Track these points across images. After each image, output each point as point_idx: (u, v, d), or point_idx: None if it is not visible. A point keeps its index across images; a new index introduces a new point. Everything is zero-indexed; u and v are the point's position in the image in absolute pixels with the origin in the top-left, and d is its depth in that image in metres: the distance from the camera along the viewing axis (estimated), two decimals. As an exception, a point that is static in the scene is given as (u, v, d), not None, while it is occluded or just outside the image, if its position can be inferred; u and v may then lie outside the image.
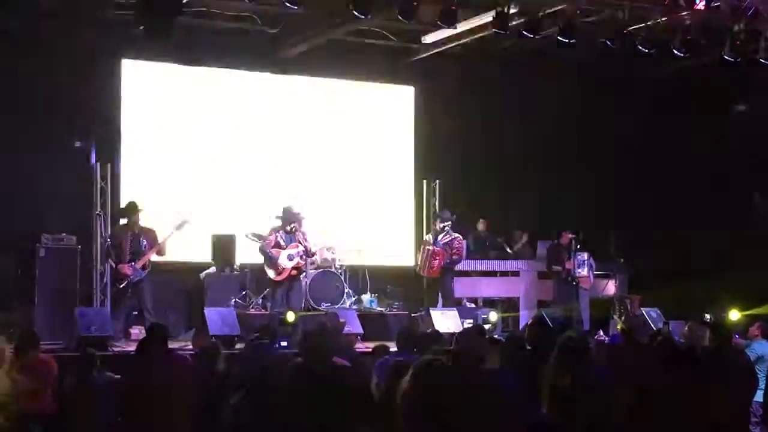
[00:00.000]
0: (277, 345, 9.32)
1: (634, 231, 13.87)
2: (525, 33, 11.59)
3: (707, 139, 14.24)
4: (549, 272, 13.18)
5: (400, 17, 11.17)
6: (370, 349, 8.36)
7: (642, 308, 12.68)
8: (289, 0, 10.70)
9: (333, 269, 12.87)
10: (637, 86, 14.52)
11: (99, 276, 12.13)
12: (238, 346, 10.54)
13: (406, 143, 15.01)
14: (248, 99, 14.03)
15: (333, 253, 13.00)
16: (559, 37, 11.73)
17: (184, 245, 12.18)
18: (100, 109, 12.95)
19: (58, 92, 12.19)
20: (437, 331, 10.05)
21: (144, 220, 11.57)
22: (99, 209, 12.25)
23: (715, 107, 14.34)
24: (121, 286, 11.16)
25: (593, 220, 13.57)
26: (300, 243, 11.61)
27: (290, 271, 11.54)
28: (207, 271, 12.73)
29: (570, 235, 13.09)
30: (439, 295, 12.48)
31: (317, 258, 12.63)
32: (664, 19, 11.96)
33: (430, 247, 12.40)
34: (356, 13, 10.92)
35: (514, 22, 11.57)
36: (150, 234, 11.46)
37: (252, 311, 12.29)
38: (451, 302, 12.47)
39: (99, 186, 12.31)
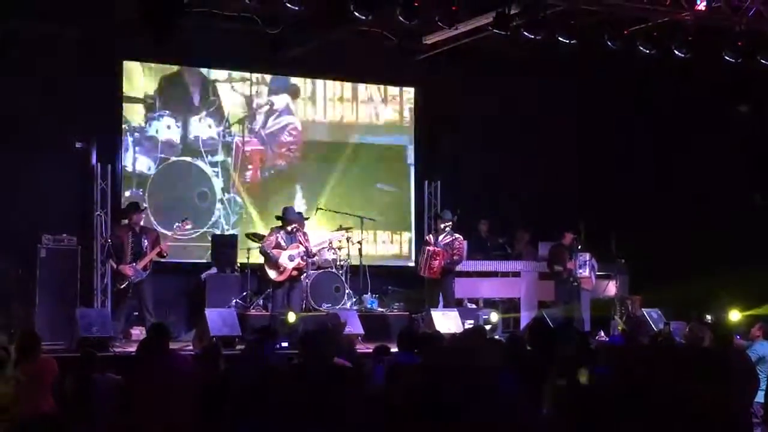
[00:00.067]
0: (278, 345, 9.31)
1: (634, 231, 13.85)
2: (526, 33, 11.59)
3: (708, 139, 14.22)
4: (550, 272, 13.17)
5: (401, 18, 11.17)
6: (371, 350, 8.36)
7: (643, 309, 12.68)
8: (289, 0, 10.70)
9: (333, 270, 12.87)
10: (638, 87, 14.50)
11: (100, 276, 12.15)
12: (239, 346, 10.54)
13: (407, 143, 15.01)
14: (249, 99, 14.04)
15: (335, 253, 13.01)
16: (559, 38, 11.73)
17: (185, 246, 12.19)
18: (101, 109, 12.95)
19: (59, 93, 12.20)
20: (438, 331, 10.06)
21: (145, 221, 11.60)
22: (99, 210, 12.26)
23: (715, 107, 14.33)
24: (122, 286, 11.16)
25: (594, 221, 13.55)
26: (301, 243, 11.61)
27: (291, 271, 11.53)
28: (208, 271, 12.73)
29: (572, 235, 13.09)
30: (440, 295, 12.47)
31: (318, 258, 12.63)
32: (665, 19, 11.95)
33: (431, 248, 12.39)
34: (357, 14, 10.92)
35: (514, 23, 11.56)
36: (151, 234, 11.46)
37: (253, 312, 12.29)
38: (452, 303, 12.46)
39: (99, 186, 12.32)
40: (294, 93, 14.36)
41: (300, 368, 5.95)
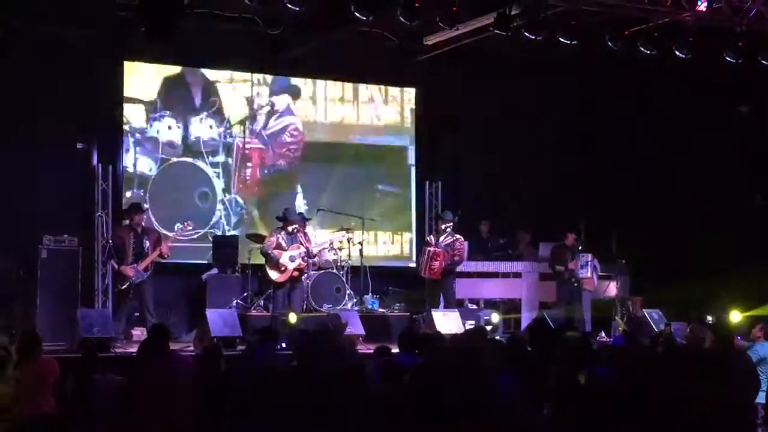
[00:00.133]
0: (279, 346, 9.32)
1: (635, 232, 13.85)
2: (526, 34, 11.59)
3: (709, 139, 14.22)
4: (552, 272, 13.16)
5: (401, 18, 11.17)
6: (372, 351, 8.35)
7: (644, 310, 12.68)
8: (290, 1, 10.70)
9: (334, 270, 12.88)
10: (639, 87, 14.50)
11: (101, 277, 12.15)
12: (240, 347, 10.55)
13: (408, 144, 15.01)
14: (250, 100, 14.05)
15: (336, 253, 13.01)
16: (560, 39, 11.73)
17: (186, 246, 12.19)
18: (102, 110, 12.96)
19: (60, 93, 12.20)
20: (439, 332, 10.06)
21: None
22: (100, 210, 12.26)
23: (716, 108, 14.32)
24: (123, 287, 11.16)
25: (594, 221, 13.54)
26: (302, 244, 11.62)
27: (292, 272, 11.54)
28: (208, 272, 12.74)
29: (574, 236, 13.08)
30: (441, 296, 12.47)
31: (319, 259, 12.63)
32: (665, 20, 11.95)
33: (432, 249, 12.39)
34: (358, 15, 10.93)
35: (515, 24, 11.56)
36: (153, 235, 11.46)
37: (253, 312, 12.29)
38: (453, 303, 12.45)
39: (100, 187, 12.33)
40: (295, 93, 14.36)
41: (296, 369, 5.95)
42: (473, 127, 14.56)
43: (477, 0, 11.78)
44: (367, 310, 12.87)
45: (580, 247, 13.08)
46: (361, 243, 13.18)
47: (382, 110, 14.89)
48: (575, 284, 12.97)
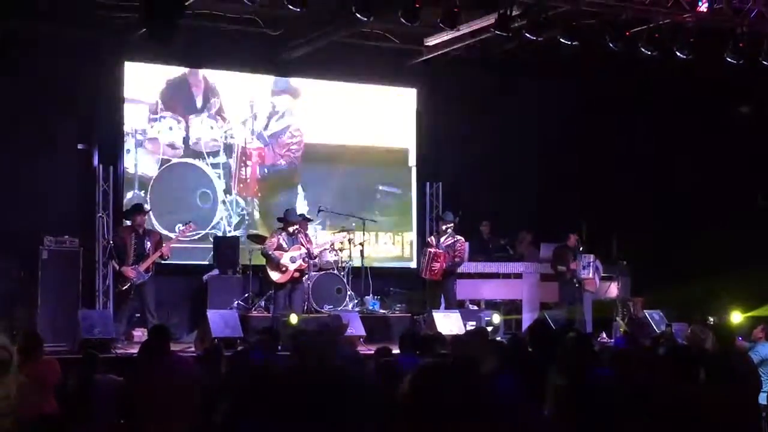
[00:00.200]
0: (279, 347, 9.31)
1: (636, 233, 13.85)
2: (527, 35, 11.59)
3: (710, 140, 14.23)
4: (554, 273, 13.16)
5: (402, 19, 11.18)
6: (373, 351, 8.35)
7: (645, 310, 12.67)
8: (291, 2, 10.71)
9: (335, 271, 12.88)
10: (640, 89, 14.51)
11: (101, 278, 12.16)
12: (240, 348, 10.53)
13: (409, 145, 15.01)
14: (250, 101, 14.06)
15: (336, 254, 13.01)
16: (561, 39, 11.74)
17: (187, 247, 12.19)
18: (103, 111, 12.97)
19: (61, 94, 12.22)
20: (440, 333, 10.06)
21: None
22: (101, 211, 12.27)
23: (716, 108, 14.33)
24: (124, 288, 11.15)
25: (595, 222, 13.55)
26: (302, 245, 11.62)
27: (293, 273, 11.55)
28: (209, 273, 12.74)
29: (576, 237, 13.08)
30: (442, 297, 12.47)
31: (319, 260, 12.63)
32: (666, 21, 11.95)
33: (433, 250, 12.39)
34: (358, 16, 10.93)
35: (516, 24, 11.57)
36: (154, 236, 11.45)
37: (254, 313, 12.29)
38: (454, 304, 12.45)
39: (101, 188, 12.34)
40: (296, 94, 14.37)
41: (294, 369, 5.94)
42: (474, 128, 14.56)
43: (478, 1, 11.79)
44: (368, 311, 12.87)
45: (581, 248, 13.08)
46: (362, 244, 13.18)
47: (383, 111, 14.89)
48: (577, 285, 12.97)
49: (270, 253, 11.56)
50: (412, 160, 15.02)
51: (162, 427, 6.50)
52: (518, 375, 5.84)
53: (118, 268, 11.24)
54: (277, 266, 11.51)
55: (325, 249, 12.69)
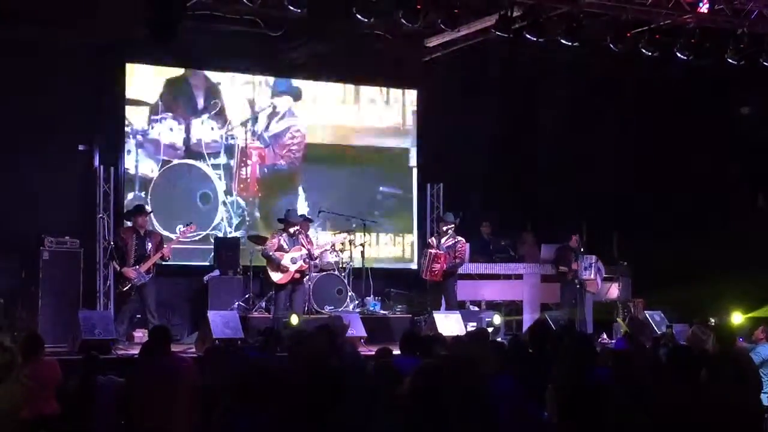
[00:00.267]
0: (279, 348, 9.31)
1: (636, 233, 13.84)
2: (528, 36, 11.59)
3: (711, 141, 14.22)
4: (556, 273, 13.15)
5: (403, 20, 11.18)
6: (374, 352, 8.35)
7: (645, 311, 12.66)
8: (292, 3, 10.71)
9: (336, 272, 12.88)
10: (640, 89, 14.51)
11: (102, 279, 12.17)
12: (241, 349, 10.53)
13: (410, 146, 15.02)
14: (251, 102, 14.06)
15: (337, 255, 13.02)
16: (562, 40, 11.73)
17: (187, 248, 12.19)
18: (104, 112, 12.97)
19: (62, 95, 12.21)
20: (441, 334, 10.05)
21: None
22: (102, 212, 12.27)
23: (717, 109, 14.33)
24: (125, 289, 11.15)
25: (596, 223, 13.55)
26: (303, 246, 11.62)
27: (293, 274, 11.55)
28: (210, 274, 12.74)
29: (577, 237, 13.07)
30: (443, 298, 12.47)
31: (320, 261, 12.63)
32: (667, 21, 11.95)
33: (433, 251, 12.39)
34: (359, 16, 10.94)
35: (517, 25, 11.56)
36: (155, 237, 11.45)
37: (255, 314, 12.29)
38: (454, 305, 12.45)
39: (102, 189, 12.34)
40: (296, 95, 14.37)
41: (292, 370, 5.94)
42: (474, 129, 14.56)
43: (478, 2, 11.79)
44: (369, 311, 12.87)
45: (582, 249, 13.07)
46: (362, 245, 13.18)
47: (384, 112, 14.90)
48: (578, 286, 12.96)
49: (271, 254, 11.56)
50: (413, 161, 15.03)
51: (162, 427, 6.50)
52: (519, 376, 5.85)
53: (119, 269, 11.24)
54: (278, 267, 11.51)
55: (325, 250, 12.69)
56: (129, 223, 11.70)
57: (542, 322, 10.36)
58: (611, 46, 11.86)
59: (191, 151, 13.66)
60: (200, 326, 11.27)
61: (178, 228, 12.01)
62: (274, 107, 14.21)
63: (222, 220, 13.74)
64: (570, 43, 11.75)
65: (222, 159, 13.83)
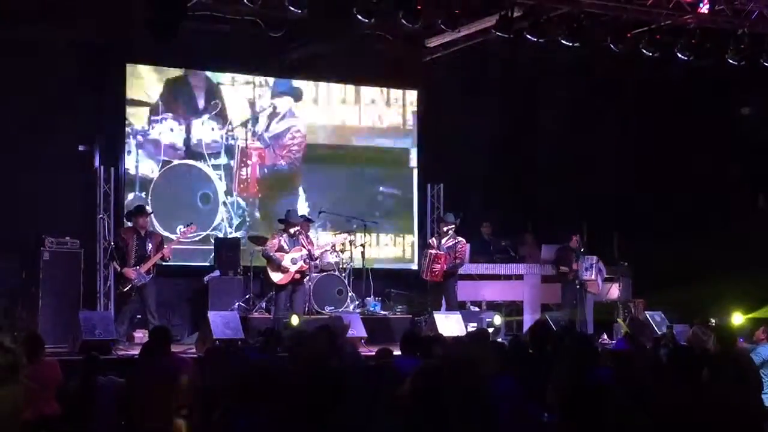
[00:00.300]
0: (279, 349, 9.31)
1: (637, 234, 13.84)
2: (528, 36, 11.59)
3: (711, 141, 14.22)
4: (557, 273, 13.15)
5: (404, 21, 11.18)
6: (374, 353, 8.35)
7: (646, 312, 12.66)
8: (292, 3, 10.71)
9: (336, 272, 12.88)
10: (641, 89, 14.50)
11: (103, 279, 12.17)
12: (241, 349, 10.53)
13: (410, 146, 15.01)
14: (252, 102, 14.06)
15: (338, 255, 13.02)
16: (562, 40, 11.74)
17: (188, 249, 12.19)
18: (104, 112, 12.97)
19: (62, 95, 12.21)
20: (441, 334, 10.05)
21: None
22: (102, 213, 12.27)
23: (718, 110, 14.33)
24: (125, 289, 11.15)
25: (596, 223, 13.55)
26: (303, 246, 11.62)
27: (294, 274, 11.55)
28: (210, 274, 12.74)
29: (578, 238, 13.07)
30: (443, 298, 12.47)
31: (320, 261, 12.63)
32: (668, 22, 11.95)
33: (434, 251, 12.39)
34: (360, 17, 10.94)
35: (517, 26, 11.56)
36: (156, 238, 11.45)
37: (255, 315, 12.29)
38: (455, 306, 12.45)
39: (102, 189, 12.34)
40: (297, 96, 14.37)
41: (291, 370, 5.94)
42: (475, 129, 14.56)
43: (479, 2, 11.79)
44: (369, 312, 12.87)
45: (582, 249, 13.07)
46: (363, 245, 13.18)
47: (384, 112, 14.90)
48: (578, 286, 12.96)
49: (271, 254, 11.56)
50: (414, 162, 15.03)
51: (162, 427, 6.50)
52: (519, 376, 5.85)
53: (119, 269, 11.23)
54: (278, 267, 11.51)
55: (326, 250, 12.69)
56: (129, 224, 11.69)
57: (543, 323, 10.35)
58: (612, 46, 11.86)
59: (191, 151, 13.67)
60: (200, 327, 11.27)
61: (179, 228, 12.02)
62: (275, 107, 14.22)
63: (222, 220, 13.75)
64: (570, 44, 11.75)
65: (222, 159, 13.83)
